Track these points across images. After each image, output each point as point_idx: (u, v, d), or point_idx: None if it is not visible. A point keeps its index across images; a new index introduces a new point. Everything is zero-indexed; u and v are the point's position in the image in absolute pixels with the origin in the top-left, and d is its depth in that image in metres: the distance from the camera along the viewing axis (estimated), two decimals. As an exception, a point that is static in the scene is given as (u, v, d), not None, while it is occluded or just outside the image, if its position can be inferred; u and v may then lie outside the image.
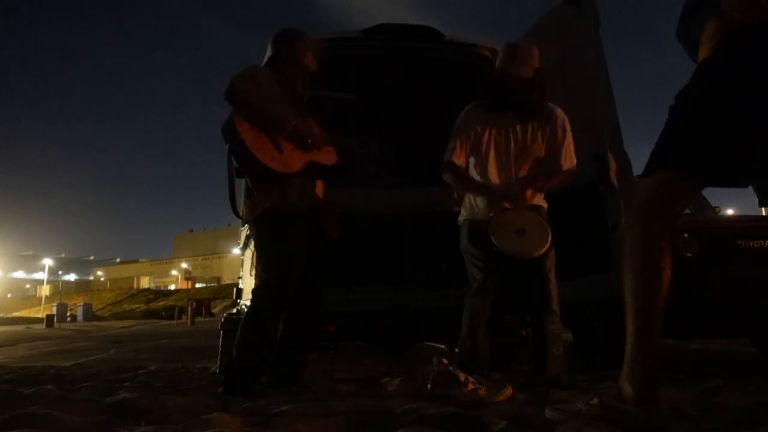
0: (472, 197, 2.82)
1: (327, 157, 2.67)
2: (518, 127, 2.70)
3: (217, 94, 2.52)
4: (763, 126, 1.38)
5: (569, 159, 2.75)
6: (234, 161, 2.56)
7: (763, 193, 1.53)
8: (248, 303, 2.77)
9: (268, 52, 2.70)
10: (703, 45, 1.49)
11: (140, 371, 3.78)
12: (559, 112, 2.74)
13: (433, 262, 3.87)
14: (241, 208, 2.65)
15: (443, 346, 5.28)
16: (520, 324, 3.50)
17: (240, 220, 3.04)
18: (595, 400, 1.51)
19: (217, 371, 3.51)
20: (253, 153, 2.44)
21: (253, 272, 2.77)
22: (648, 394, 1.45)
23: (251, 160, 2.46)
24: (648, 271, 1.48)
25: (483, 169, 2.76)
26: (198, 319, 25.39)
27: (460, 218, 2.87)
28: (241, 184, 2.69)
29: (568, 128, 2.74)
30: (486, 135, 2.72)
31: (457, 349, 2.85)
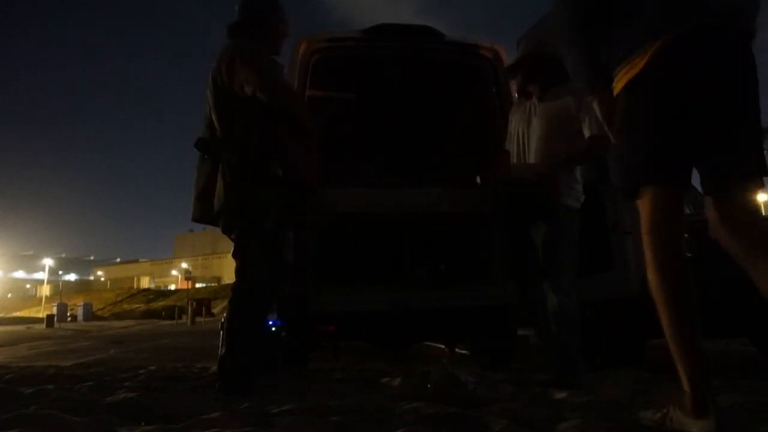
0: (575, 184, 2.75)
1: (310, 179, 2.69)
2: (536, 110, 2.80)
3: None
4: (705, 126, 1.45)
5: (589, 130, 2.66)
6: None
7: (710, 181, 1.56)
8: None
9: (236, 18, 2.69)
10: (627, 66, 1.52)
11: (140, 371, 3.78)
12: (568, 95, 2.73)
13: (433, 262, 3.87)
14: (215, 203, 2.59)
15: (443, 346, 5.27)
16: (520, 324, 3.50)
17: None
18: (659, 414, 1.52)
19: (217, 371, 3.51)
20: (244, 150, 2.48)
21: None
22: (704, 402, 1.46)
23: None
24: (668, 282, 1.55)
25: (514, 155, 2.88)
26: (198, 319, 25.41)
27: (569, 203, 2.72)
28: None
29: (582, 105, 2.70)
30: (513, 123, 2.93)
31: (458, 349, 2.85)
